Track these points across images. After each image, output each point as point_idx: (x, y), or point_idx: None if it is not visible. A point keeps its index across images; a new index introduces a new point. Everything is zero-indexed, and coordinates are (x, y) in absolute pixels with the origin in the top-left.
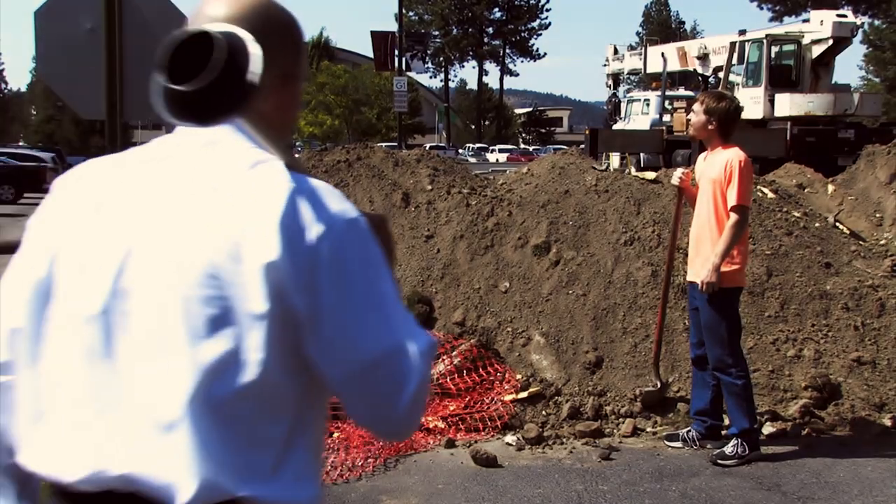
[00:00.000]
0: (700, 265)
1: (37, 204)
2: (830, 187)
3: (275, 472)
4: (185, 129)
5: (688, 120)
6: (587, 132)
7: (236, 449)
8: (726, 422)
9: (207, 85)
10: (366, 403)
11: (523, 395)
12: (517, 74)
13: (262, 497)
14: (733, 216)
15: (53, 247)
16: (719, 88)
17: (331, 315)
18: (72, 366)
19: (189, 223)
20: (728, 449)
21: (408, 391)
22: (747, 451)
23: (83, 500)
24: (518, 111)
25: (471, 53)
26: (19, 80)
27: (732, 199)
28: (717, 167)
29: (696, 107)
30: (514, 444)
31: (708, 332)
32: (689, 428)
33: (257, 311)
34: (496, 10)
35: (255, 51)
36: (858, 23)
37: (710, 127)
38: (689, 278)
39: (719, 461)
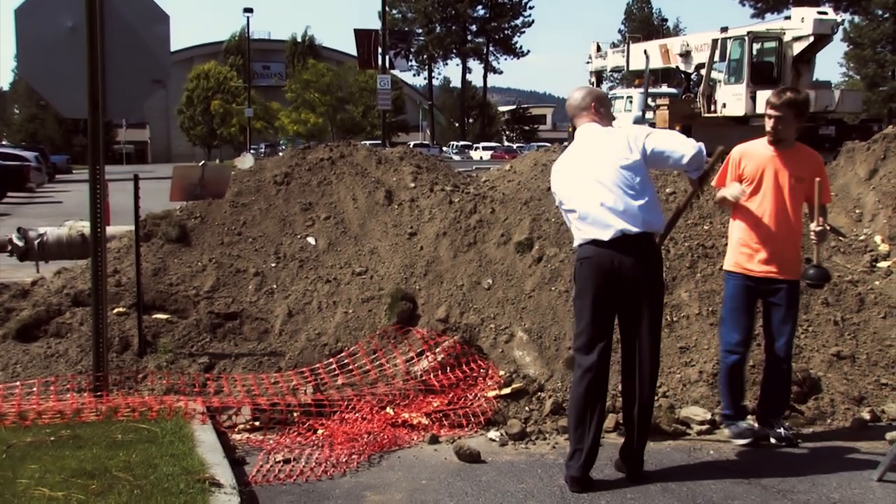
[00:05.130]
0: (794, 262)
1: (21, 203)
2: None
3: (654, 214)
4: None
5: (776, 126)
6: (570, 129)
7: (644, 209)
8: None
9: None
10: (671, 164)
11: (506, 391)
12: (501, 72)
13: (655, 221)
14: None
15: (567, 169)
16: (701, 86)
17: (655, 148)
18: (592, 204)
19: (613, 141)
20: (784, 430)
21: (683, 160)
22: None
23: (610, 242)
24: (502, 109)
25: (454, 51)
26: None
27: (829, 197)
28: (809, 165)
29: (778, 109)
30: (497, 439)
31: (790, 324)
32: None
33: (637, 157)
34: (479, 7)
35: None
36: (839, 20)
37: (800, 121)
38: (766, 274)
39: (787, 437)
